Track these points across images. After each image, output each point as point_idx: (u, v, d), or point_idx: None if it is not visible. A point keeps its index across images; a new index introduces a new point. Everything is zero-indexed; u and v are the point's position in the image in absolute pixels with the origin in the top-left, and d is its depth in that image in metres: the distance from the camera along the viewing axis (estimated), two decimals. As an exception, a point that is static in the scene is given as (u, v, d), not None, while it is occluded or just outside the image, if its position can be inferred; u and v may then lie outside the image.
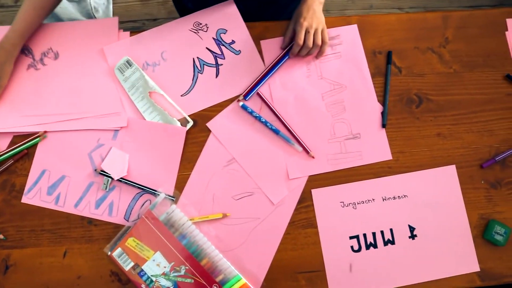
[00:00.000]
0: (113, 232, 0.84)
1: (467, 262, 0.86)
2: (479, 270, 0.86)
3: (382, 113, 0.89)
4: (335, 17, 0.93)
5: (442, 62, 0.93)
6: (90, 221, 0.85)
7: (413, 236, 0.86)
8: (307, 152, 0.87)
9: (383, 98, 0.90)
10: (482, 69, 0.94)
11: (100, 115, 0.88)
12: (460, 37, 0.95)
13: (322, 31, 0.88)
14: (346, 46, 0.92)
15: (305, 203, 0.86)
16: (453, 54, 0.94)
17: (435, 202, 0.87)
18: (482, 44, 0.95)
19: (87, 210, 0.85)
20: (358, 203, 0.86)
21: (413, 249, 0.86)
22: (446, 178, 0.88)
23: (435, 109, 0.91)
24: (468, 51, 0.95)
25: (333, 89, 0.90)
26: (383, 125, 0.88)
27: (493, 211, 0.88)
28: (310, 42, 0.86)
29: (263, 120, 0.88)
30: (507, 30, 0.96)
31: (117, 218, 0.85)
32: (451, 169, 0.89)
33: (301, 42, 0.85)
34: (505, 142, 0.91)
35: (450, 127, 0.91)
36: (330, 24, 0.93)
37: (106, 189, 0.86)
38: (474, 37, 0.95)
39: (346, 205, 0.86)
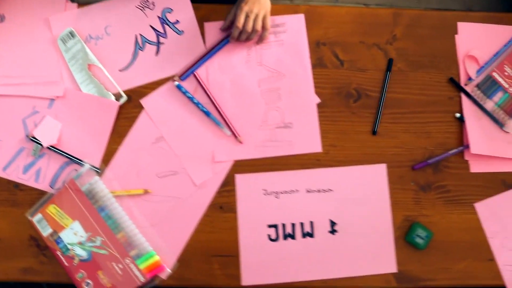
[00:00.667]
0: (37, 198, 0.86)
1: (385, 263, 0.85)
2: (396, 271, 0.84)
3: (375, 121, 0.88)
4: (283, 5, 0.92)
5: (387, 59, 0.92)
6: (17, 185, 0.86)
7: (333, 231, 0.85)
8: (236, 136, 0.87)
9: (377, 109, 0.88)
10: (428, 70, 0.92)
11: (38, 83, 0.89)
12: (409, 35, 0.93)
13: (264, 17, 0.87)
14: (290, 34, 0.91)
15: (227, 187, 0.86)
16: (399, 52, 0.92)
17: (360, 199, 0.86)
18: (430, 45, 0.93)
19: (14, 174, 0.86)
20: (281, 193, 0.86)
21: (331, 244, 0.85)
22: (375, 176, 0.87)
23: (373, 106, 0.90)
24: (415, 50, 0.93)
25: (271, 76, 0.90)
26: (374, 132, 0.87)
27: (419, 214, 0.87)
28: (248, 27, 0.85)
29: (196, 101, 0.88)
30: (457, 33, 0.94)
31: (43, 184, 0.86)
32: (381, 168, 0.88)
33: (240, 25, 0.85)
34: (441, 146, 0.89)
35: (387, 125, 0.89)
36: (277, 12, 0.92)
37: (35, 155, 0.87)
38: (423, 37, 0.93)
39: (269, 193, 0.85)
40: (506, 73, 0.93)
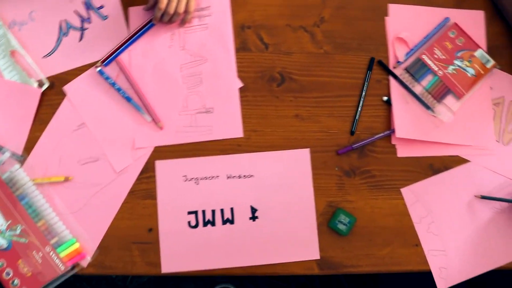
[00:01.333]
0: (-41, 186, 0.85)
1: (308, 249, 0.84)
2: (319, 258, 0.83)
3: (353, 120, 0.86)
4: (209, -12, 0.90)
5: (313, 42, 0.90)
6: None
7: (254, 218, 0.84)
8: (156, 122, 0.86)
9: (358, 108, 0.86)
10: (356, 52, 0.90)
11: (-39, 70, 0.88)
12: (337, 17, 0.91)
13: (189, 0, 0.85)
14: (215, 18, 0.90)
15: (147, 173, 0.85)
16: (326, 35, 0.90)
17: (282, 185, 0.85)
18: (359, 27, 0.91)
19: None
20: (201, 179, 0.85)
21: (252, 230, 0.84)
22: (298, 161, 0.86)
23: (297, 89, 0.88)
24: (343, 32, 0.91)
25: (194, 60, 0.88)
26: (352, 133, 0.86)
27: (343, 200, 0.85)
28: (171, 9, 0.83)
29: (117, 87, 0.87)
30: (387, 15, 0.91)
31: (-36, 172, 0.86)
32: (304, 153, 0.86)
33: (162, 7, 0.83)
34: (367, 130, 0.88)
35: (310, 109, 0.88)
36: (202, -5, 0.90)
37: (-44, 143, 0.86)
38: (352, 19, 0.91)
39: (189, 179, 0.85)
40: (435, 56, 0.91)
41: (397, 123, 0.87)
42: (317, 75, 0.89)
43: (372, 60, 0.89)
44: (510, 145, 0.91)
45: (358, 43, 0.90)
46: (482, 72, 0.91)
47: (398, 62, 0.90)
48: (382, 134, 0.87)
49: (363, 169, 0.86)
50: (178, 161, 0.85)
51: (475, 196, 0.88)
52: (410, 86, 0.89)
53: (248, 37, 0.89)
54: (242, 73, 0.88)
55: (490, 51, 0.93)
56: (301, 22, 0.90)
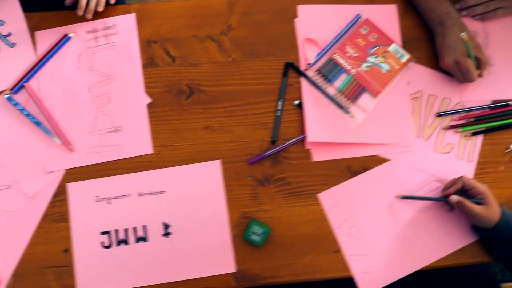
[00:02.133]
0: None
1: (224, 263, 0.82)
2: (235, 271, 0.82)
3: (273, 129, 0.85)
4: (114, 6, 0.90)
5: (221, 50, 0.88)
6: None
7: (167, 234, 0.83)
8: (66, 145, 0.85)
9: (276, 116, 0.85)
10: (265, 57, 0.89)
11: None
12: (245, 24, 0.90)
13: None
14: (121, 36, 0.89)
15: (60, 196, 0.84)
16: (234, 42, 0.89)
17: (194, 199, 0.84)
18: (268, 32, 0.90)
19: None
20: (113, 198, 0.84)
21: (166, 247, 0.83)
22: (209, 174, 0.84)
23: (206, 101, 0.87)
24: (251, 38, 0.89)
25: (101, 80, 0.88)
26: (273, 142, 0.85)
27: (258, 210, 0.84)
28: (83, 3, 0.82)
29: (26, 113, 0.87)
30: (296, 17, 0.90)
31: None
32: (215, 164, 0.85)
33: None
34: (281, 137, 0.86)
35: (221, 119, 0.86)
36: (108, 13, 0.89)
37: None
38: (260, 24, 0.90)
39: (101, 199, 0.84)
40: (348, 54, 0.89)
41: (309, 127, 0.85)
42: (226, 85, 0.87)
43: (287, 65, 0.87)
44: (431, 140, 0.88)
45: (268, 48, 0.89)
46: (397, 67, 0.89)
47: (310, 64, 0.88)
48: (294, 140, 0.85)
49: (277, 176, 0.85)
50: (89, 182, 0.84)
51: (396, 197, 0.85)
52: (323, 87, 0.87)
53: (154, 52, 0.88)
54: (150, 88, 0.87)
55: (405, 44, 0.91)
56: (208, 31, 0.89)
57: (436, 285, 1.00)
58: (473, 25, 0.91)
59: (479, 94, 0.91)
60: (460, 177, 0.82)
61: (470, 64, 0.84)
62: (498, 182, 0.88)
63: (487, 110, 0.90)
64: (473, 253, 0.86)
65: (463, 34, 0.80)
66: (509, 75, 0.92)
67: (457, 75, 0.86)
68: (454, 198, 0.80)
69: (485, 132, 0.89)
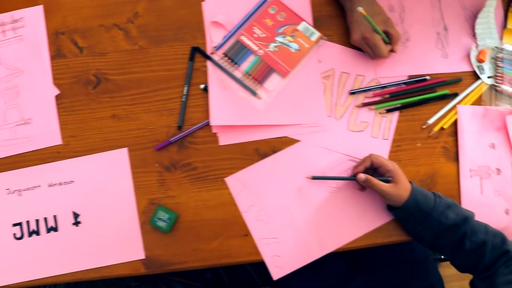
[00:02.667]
0: None
1: (133, 250, 0.83)
2: (144, 257, 0.82)
3: (179, 114, 0.85)
4: (22, -1, 0.90)
5: (127, 38, 0.88)
6: None
7: (77, 223, 0.84)
8: (-23, 139, 0.86)
9: (182, 101, 0.85)
10: (171, 43, 0.88)
11: None
12: (152, 10, 0.89)
13: None
14: (29, 28, 0.90)
15: (-27, 191, 0.85)
16: (141, 29, 0.88)
17: (102, 187, 0.84)
18: (175, 17, 0.89)
19: None
20: (24, 190, 0.85)
21: (76, 236, 0.83)
22: (116, 162, 0.84)
23: (113, 89, 0.87)
24: (158, 25, 0.88)
25: (10, 74, 0.88)
26: (179, 127, 0.85)
27: (165, 196, 0.84)
28: None
29: None
30: (204, 0, 0.88)
31: None
32: (122, 152, 0.85)
33: None
34: (188, 122, 0.85)
35: (127, 107, 0.86)
36: (16, 5, 0.90)
37: None
38: (167, 9, 0.89)
39: (12, 192, 0.85)
40: (255, 35, 0.87)
41: (212, 111, 0.84)
42: (132, 72, 0.87)
43: (193, 49, 0.86)
44: (343, 119, 0.86)
45: (174, 33, 0.88)
46: (307, 45, 0.87)
47: (216, 47, 0.86)
48: (199, 125, 0.84)
49: (183, 162, 0.84)
50: (0, 175, 0.85)
51: (306, 177, 0.83)
52: (230, 70, 0.86)
53: (62, 43, 0.88)
54: (58, 80, 0.87)
55: (317, 22, 0.89)
56: (115, 20, 0.89)
57: (373, 264, 0.98)
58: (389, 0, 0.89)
59: (395, 70, 0.88)
60: (369, 155, 0.80)
61: (377, 39, 0.81)
62: (415, 159, 0.86)
63: (403, 86, 0.88)
64: (390, 232, 0.84)
65: (360, 9, 0.77)
66: (425, 50, 0.89)
67: (367, 51, 0.84)
68: (362, 176, 0.78)
69: (400, 108, 0.87)
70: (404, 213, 0.79)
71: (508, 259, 0.76)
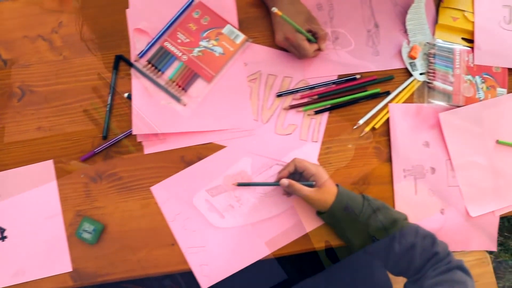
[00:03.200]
0: None
1: (60, 263, 0.82)
2: (71, 270, 0.81)
3: (103, 123, 0.84)
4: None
5: (52, 49, 0.87)
6: None
7: (3, 238, 0.83)
8: None
9: (106, 111, 0.85)
10: (96, 52, 0.87)
11: None
12: (76, 20, 0.88)
13: None
14: (-44, 43, 0.89)
15: None
16: (65, 40, 0.87)
17: (29, 200, 0.83)
18: (99, 26, 0.88)
19: None
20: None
21: (2, 251, 0.83)
22: (42, 174, 0.84)
23: (38, 101, 0.86)
24: (83, 34, 0.87)
25: None
26: (104, 137, 0.84)
27: (91, 207, 0.83)
28: None
29: None
30: (128, 7, 0.87)
31: None
32: (48, 165, 0.84)
33: None
34: (112, 131, 0.84)
35: (52, 119, 0.85)
36: None
37: None
38: (90, 18, 0.88)
39: None
40: (179, 41, 0.86)
41: (134, 120, 0.83)
42: (57, 83, 0.86)
43: (117, 57, 0.85)
44: (271, 122, 0.84)
45: (98, 42, 0.87)
46: (232, 49, 0.85)
47: (139, 54, 0.85)
48: (123, 134, 0.83)
49: (109, 172, 0.83)
50: None
51: (232, 184, 0.82)
52: (154, 77, 0.85)
53: (-14, 56, 0.88)
54: (-18, 93, 0.86)
55: (243, 24, 0.87)
56: (39, 31, 0.88)
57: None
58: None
59: (325, 69, 0.86)
60: (293, 160, 0.78)
61: (300, 39, 0.79)
62: (346, 161, 0.84)
63: (333, 86, 0.86)
64: (322, 237, 0.82)
65: (274, 9, 0.75)
66: (355, 48, 0.87)
67: (292, 51, 0.82)
68: (284, 182, 0.76)
69: (330, 109, 0.85)
70: (331, 218, 0.77)
71: (436, 261, 0.74)
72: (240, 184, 0.81)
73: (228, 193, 0.81)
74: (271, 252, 0.81)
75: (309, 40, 0.81)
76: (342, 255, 0.86)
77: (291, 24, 0.78)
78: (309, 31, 0.81)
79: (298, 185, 0.75)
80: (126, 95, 0.84)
